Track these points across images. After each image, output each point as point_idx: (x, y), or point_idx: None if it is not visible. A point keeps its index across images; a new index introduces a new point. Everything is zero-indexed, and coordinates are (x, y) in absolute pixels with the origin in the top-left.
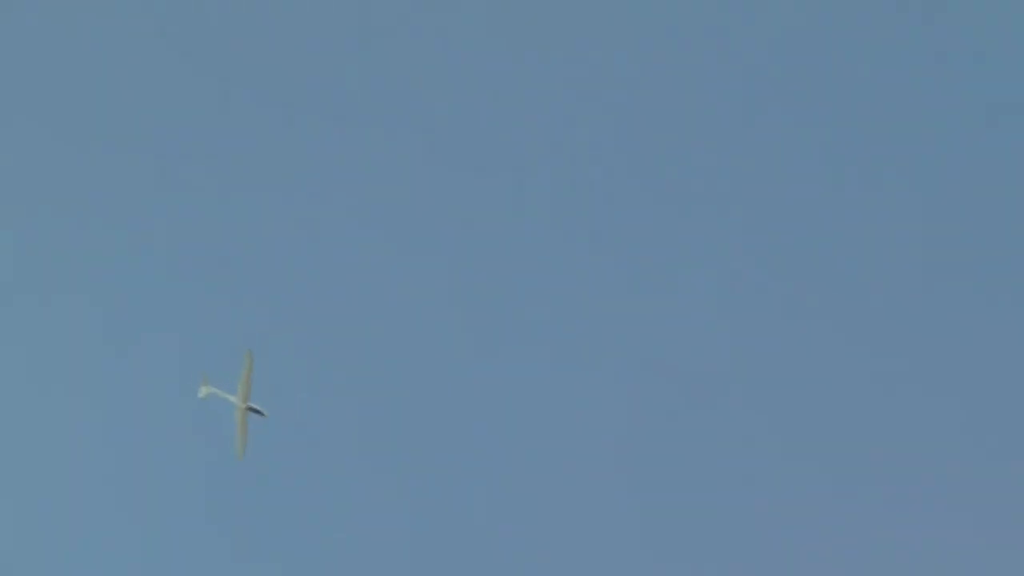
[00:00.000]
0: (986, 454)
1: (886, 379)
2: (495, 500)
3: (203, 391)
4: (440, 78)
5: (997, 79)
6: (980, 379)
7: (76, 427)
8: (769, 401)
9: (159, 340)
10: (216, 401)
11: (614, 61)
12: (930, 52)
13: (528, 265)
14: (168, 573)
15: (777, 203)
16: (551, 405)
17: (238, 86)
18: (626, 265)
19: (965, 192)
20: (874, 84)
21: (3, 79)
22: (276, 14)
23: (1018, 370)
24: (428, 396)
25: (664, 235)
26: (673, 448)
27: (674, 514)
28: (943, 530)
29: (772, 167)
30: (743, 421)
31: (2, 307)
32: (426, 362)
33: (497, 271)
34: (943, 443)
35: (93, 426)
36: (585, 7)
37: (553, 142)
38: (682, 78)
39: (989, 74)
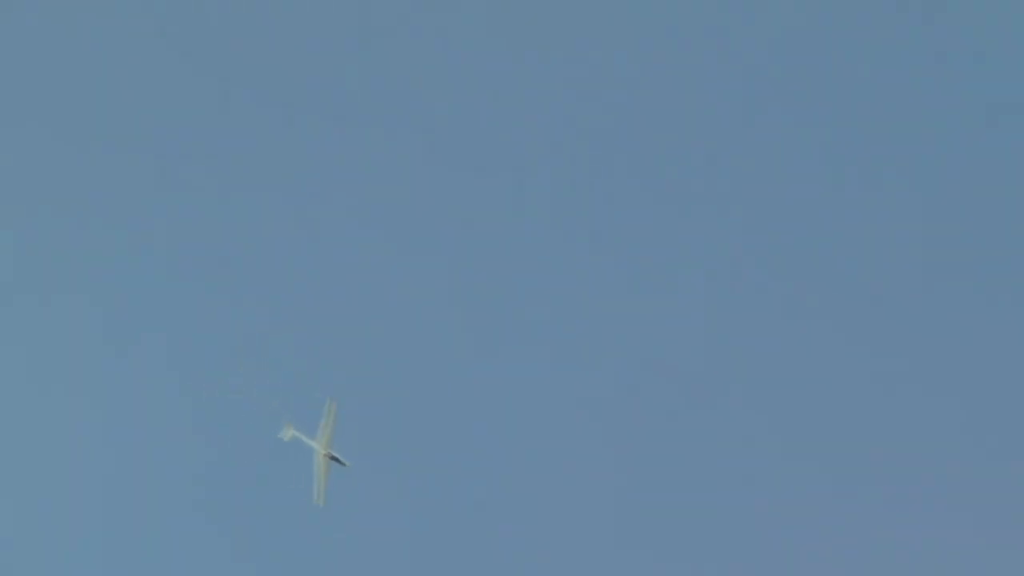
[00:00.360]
0: (986, 454)
1: (885, 379)
2: (495, 501)
3: (287, 434)
4: (440, 78)
5: (997, 79)
6: (980, 379)
7: (76, 427)
8: (768, 401)
9: (159, 340)
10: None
11: (614, 61)
12: (930, 52)
13: (529, 265)
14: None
15: (777, 203)
16: (563, 405)
17: (238, 86)
18: (626, 265)
19: (965, 192)
20: (874, 84)
21: (3, 79)
22: (276, 14)
23: (1018, 370)
24: (426, 396)
25: (664, 235)
26: (671, 448)
27: (671, 514)
28: (942, 530)
29: (772, 167)
30: (742, 421)
31: (2, 307)
32: (423, 362)
33: (496, 272)
34: (942, 443)
35: (93, 426)
36: (585, 7)
37: (553, 142)
38: (682, 78)
39: (989, 74)
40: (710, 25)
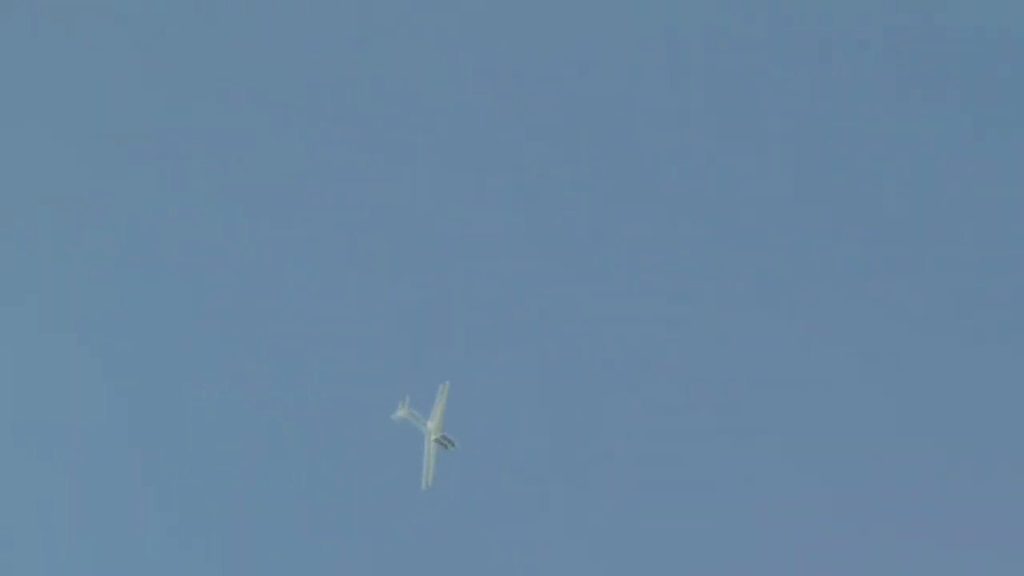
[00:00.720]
0: (985, 455)
1: (884, 380)
2: (495, 500)
3: (400, 412)
4: (440, 78)
5: (997, 79)
6: (979, 379)
7: (75, 427)
8: (767, 401)
9: (159, 340)
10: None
11: (613, 61)
12: (930, 52)
13: (531, 266)
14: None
15: (774, 203)
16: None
17: (238, 86)
18: (624, 265)
19: (965, 192)
20: (874, 85)
21: (3, 79)
22: (276, 14)
23: (1017, 370)
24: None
25: (663, 235)
26: (669, 448)
27: (668, 514)
28: (940, 530)
29: (772, 167)
30: (739, 421)
31: (1, 307)
32: (421, 362)
33: (495, 271)
34: (941, 444)
35: (91, 426)
36: (585, 7)
37: (550, 142)
38: (681, 78)
39: (989, 74)
40: (710, 25)
